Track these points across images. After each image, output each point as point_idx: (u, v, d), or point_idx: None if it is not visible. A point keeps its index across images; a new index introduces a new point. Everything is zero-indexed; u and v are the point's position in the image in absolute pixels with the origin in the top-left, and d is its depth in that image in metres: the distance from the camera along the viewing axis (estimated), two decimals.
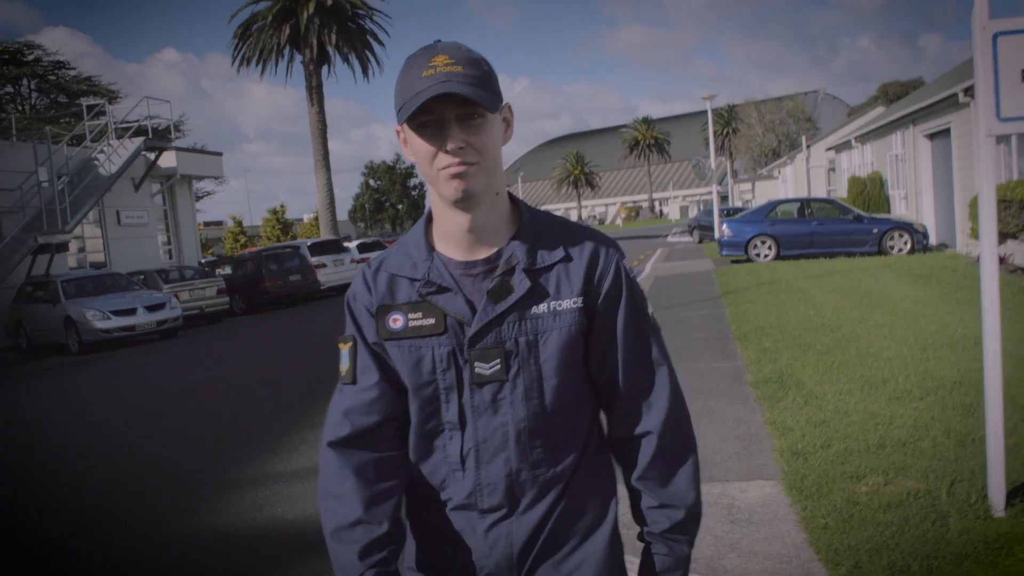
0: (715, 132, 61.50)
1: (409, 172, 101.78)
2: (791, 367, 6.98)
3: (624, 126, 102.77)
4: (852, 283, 12.75)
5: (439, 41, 1.45)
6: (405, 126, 1.42)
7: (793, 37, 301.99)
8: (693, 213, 63.02)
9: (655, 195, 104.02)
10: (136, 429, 8.26)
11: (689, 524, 1.51)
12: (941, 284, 11.76)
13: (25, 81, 43.51)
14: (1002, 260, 14.11)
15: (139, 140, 22.05)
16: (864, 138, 26.95)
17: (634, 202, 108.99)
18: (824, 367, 6.85)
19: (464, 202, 1.42)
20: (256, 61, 35.14)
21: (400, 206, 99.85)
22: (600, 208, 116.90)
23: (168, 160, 24.33)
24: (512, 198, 1.54)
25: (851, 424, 5.19)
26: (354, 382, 1.53)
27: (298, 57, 35.34)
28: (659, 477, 1.50)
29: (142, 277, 19.21)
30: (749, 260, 18.66)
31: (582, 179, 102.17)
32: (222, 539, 4.77)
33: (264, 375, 10.87)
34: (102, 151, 21.86)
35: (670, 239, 37.05)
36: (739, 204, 57.29)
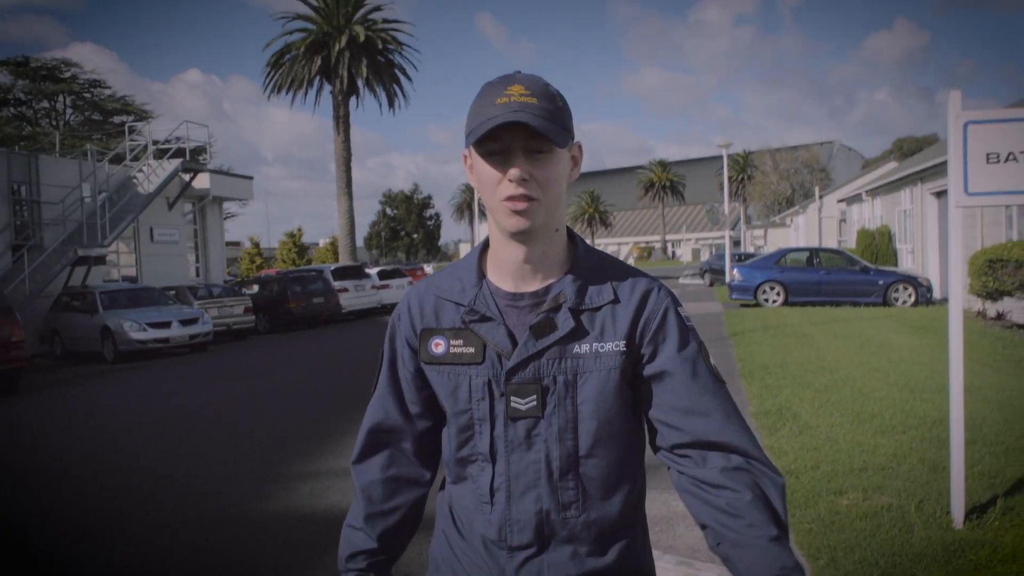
0: (730, 178, 62.50)
1: (425, 203, 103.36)
2: (790, 402, 7.67)
3: (640, 167, 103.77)
4: (854, 331, 13.41)
5: (519, 72, 1.46)
6: (472, 151, 1.44)
7: (810, 88, 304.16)
8: (705, 256, 63.73)
9: (668, 237, 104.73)
10: (187, 430, 8.98)
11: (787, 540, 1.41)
12: (939, 336, 12.40)
13: (61, 97, 44.83)
14: (1000, 316, 14.72)
15: (176, 161, 23.00)
16: (874, 192, 27.74)
17: (647, 242, 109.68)
18: (820, 403, 7.54)
19: (522, 236, 1.44)
20: (287, 90, 36.36)
21: (415, 235, 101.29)
22: (613, 247, 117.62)
23: (202, 181, 25.30)
24: (571, 234, 1.56)
25: (839, 451, 5.87)
26: (374, 390, 1.64)
27: (327, 87, 36.52)
28: (759, 515, 1.39)
29: (173, 292, 20.02)
30: (758, 304, 19.34)
31: (596, 217, 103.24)
32: (289, 523, 5.46)
33: (295, 390, 11.59)
34: (140, 170, 22.82)
35: (681, 281, 37.71)
36: (751, 250, 57.98)
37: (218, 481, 6.66)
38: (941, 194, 19.79)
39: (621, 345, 1.46)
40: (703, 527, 1.45)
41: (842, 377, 8.87)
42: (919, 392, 7.76)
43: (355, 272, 25.70)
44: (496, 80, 1.44)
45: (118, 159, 23.75)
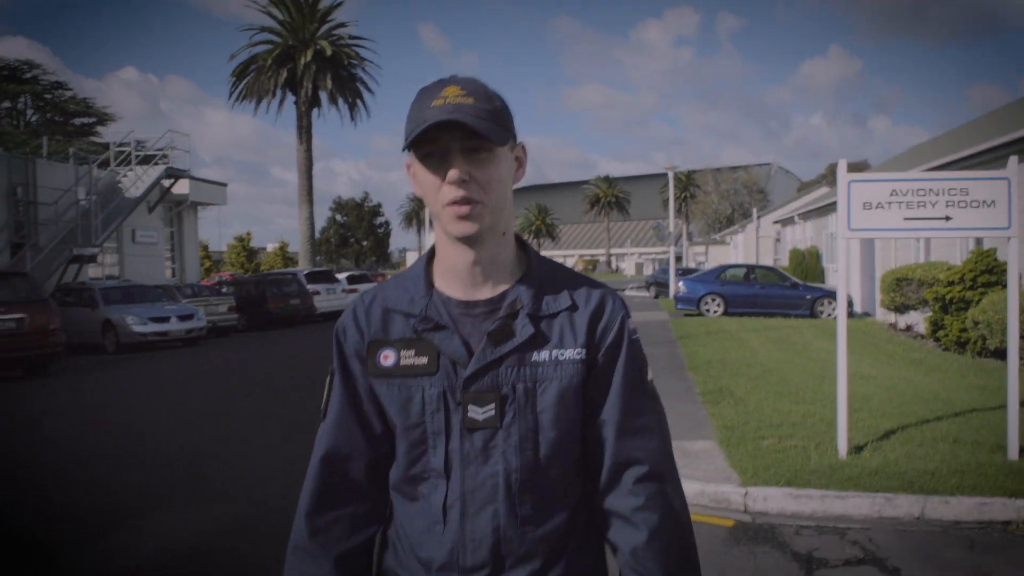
0: (674, 196, 65.35)
1: (375, 210, 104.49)
2: (728, 385, 9.69)
3: (586, 182, 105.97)
4: (783, 336, 15.60)
5: (455, 75, 1.43)
6: (413, 157, 1.41)
7: (747, 110, 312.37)
8: (648, 270, 66.37)
9: (612, 250, 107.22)
10: (211, 407, 10.63)
11: None
12: (853, 341, 14.58)
13: (23, 98, 45.22)
14: (908, 328, 17.09)
15: (161, 167, 24.37)
16: (806, 216, 30.32)
17: (591, 255, 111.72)
18: (751, 386, 9.58)
19: (467, 240, 1.41)
20: (252, 99, 37.51)
21: (365, 242, 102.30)
22: (558, 259, 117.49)
23: (180, 187, 26.66)
24: (520, 241, 1.53)
25: (763, 414, 7.90)
26: (325, 417, 1.53)
27: (290, 98, 37.73)
28: (652, 564, 1.42)
29: (161, 291, 21.37)
30: (700, 314, 21.45)
31: (543, 230, 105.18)
32: None
33: (293, 378, 13.27)
34: (126, 175, 24.12)
35: (628, 292, 39.84)
36: (693, 265, 60.76)
37: (249, 462, 8.37)
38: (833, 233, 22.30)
39: (582, 353, 1.44)
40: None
41: (769, 369, 10.94)
42: (827, 379, 9.84)
43: (326, 276, 27.29)
44: (431, 84, 1.42)
45: (104, 164, 24.95)
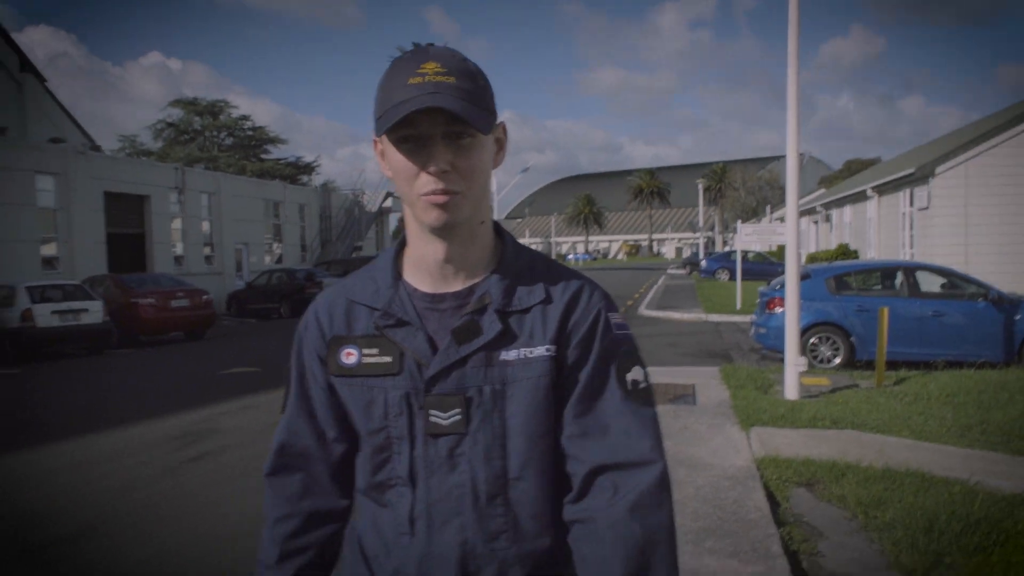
0: (709, 188, 77.42)
1: None
2: (711, 296, 24.62)
3: (630, 173, 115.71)
4: (748, 287, 30.44)
5: (431, 45, 1.29)
6: (384, 138, 1.29)
7: (770, 92, 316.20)
8: (686, 253, 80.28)
9: (654, 236, 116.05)
10: None
11: None
12: None
13: (214, 131, 59.81)
14: None
15: (384, 191, 39.77)
16: None
17: (635, 240, 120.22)
18: (725, 298, 24.47)
19: (443, 230, 1.31)
20: None
21: None
22: (604, 244, 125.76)
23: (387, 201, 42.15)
24: (498, 229, 1.43)
25: (719, 299, 22.82)
26: (283, 411, 1.48)
27: None
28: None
29: None
30: (714, 279, 36.39)
31: (591, 217, 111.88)
32: None
33: None
34: (364, 193, 39.57)
35: (670, 271, 54.62)
36: (726, 248, 74.38)
37: None
38: (816, 222, 37.01)
39: (552, 349, 1.34)
40: None
41: (731, 295, 25.75)
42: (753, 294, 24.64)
43: None
44: (406, 55, 1.28)
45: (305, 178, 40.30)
